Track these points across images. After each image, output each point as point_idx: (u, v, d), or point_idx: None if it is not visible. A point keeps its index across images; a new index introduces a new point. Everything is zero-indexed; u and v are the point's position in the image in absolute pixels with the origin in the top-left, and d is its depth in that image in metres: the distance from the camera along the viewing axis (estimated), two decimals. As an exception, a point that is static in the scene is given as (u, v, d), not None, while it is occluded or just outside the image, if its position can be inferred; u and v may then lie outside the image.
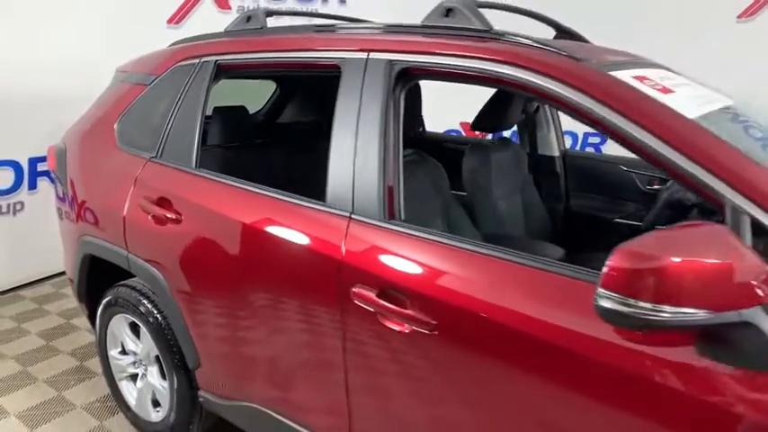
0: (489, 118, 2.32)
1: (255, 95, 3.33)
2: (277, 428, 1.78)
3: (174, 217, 1.87)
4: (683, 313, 0.90)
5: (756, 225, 1.02)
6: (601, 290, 0.91)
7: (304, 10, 4.73)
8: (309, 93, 3.18)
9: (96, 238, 2.20)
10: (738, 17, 4.12)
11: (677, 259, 0.89)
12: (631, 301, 0.90)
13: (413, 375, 1.39)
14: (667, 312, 0.90)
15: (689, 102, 1.27)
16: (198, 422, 2.12)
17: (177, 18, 4.14)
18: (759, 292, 0.91)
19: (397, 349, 1.38)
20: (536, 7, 1.95)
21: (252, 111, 3.27)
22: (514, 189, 2.44)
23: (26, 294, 3.58)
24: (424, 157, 2.06)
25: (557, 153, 2.60)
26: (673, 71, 1.68)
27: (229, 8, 4.35)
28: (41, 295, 3.57)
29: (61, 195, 2.49)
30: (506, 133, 3.01)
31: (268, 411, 1.78)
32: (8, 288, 3.60)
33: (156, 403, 2.23)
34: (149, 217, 1.95)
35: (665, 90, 1.30)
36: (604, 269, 0.91)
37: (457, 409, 1.34)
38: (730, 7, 4.14)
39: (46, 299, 3.53)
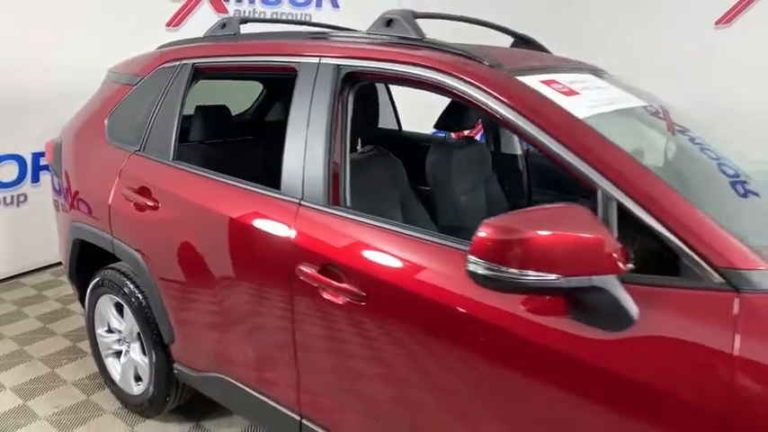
0: (450, 118, 2.51)
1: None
2: (241, 397, 1.98)
3: (152, 204, 2.09)
4: (543, 278, 1.08)
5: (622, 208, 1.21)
6: (470, 257, 1.10)
7: (298, 12, 4.95)
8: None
9: (85, 224, 2.42)
10: (716, 23, 4.27)
11: (543, 233, 1.08)
12: (501, 268, 1.09)
13: (348, 343, 1.58)
14: (530, 277, 1.08)
15: (586, 103, 1.46)
16: (174, 395, 2.33)
17: (176, 21, 4.37)
18: (620, 264, 1.10)
19: (334, 319, 1.58)
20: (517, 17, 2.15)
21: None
22: (477, 185, 2.63)
23: (27, 281, 3.83)
24: (382, 152, 2.26)
25: (519, 152, 2.78)
26: (603, 76, 1.86)
27: (226, 11, 4.58)
28: (41, 282, 3.81)
29: (57, 188, 2.71)
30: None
31: (233, 381, 1.99)
32: (10, 275, 3.85)
33: (137, 378, 2.44)
34: (131, 204, 2.16)
35: (570, 92, 1.49)
36: (474, 239, 1.10)
37: (385, 370, 1.53)
38: (709, 13, 4.28)
39: (45, 286, 3.77)
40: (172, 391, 2.32)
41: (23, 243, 3.85)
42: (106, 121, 2.45)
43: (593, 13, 4.67)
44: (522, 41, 2.33)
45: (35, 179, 3.86)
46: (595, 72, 1.89)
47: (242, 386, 1.96)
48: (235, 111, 3.23)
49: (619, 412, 1.16)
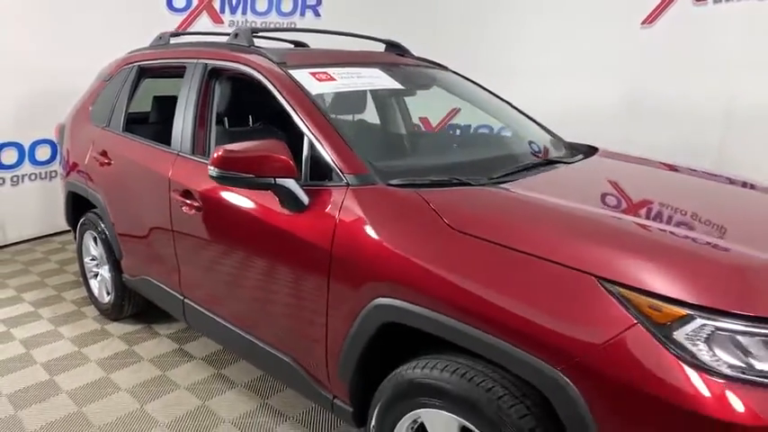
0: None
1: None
2: (154, 289, 3.11)
3: (107, 161, 3.27)
4: (244, 176, 2.10)
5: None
6: (209, 166, 2.13)
7: (284, 21, 6.11)
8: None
9: (74, 180, 3.65)
10: (642, 23, 5.03)
11: (247, 152, 2.10)
12: (223, 171, 2.12)
13: (197, 239, 2.66)
14: (235, 174, 2.10)
15: (332, 86, 2.46)
16: (128, 301, 3.51)
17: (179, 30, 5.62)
18: (292, 172, 2.11)
19: (189, 225, 2.66)
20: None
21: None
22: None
23: (55, 239, 5.19)
24: (269, 128, 3.33)
25: (403, 131, 3.77)
26: (390, 72, 2.83)
27: (222, 21, 5.81)
28: (66, 240, 5.18)
29: (63, 163, 3.95)
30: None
31: (151, 279, 3.12)
32: (43, 234, 5.23)
33: (107, 292, 3.63)
34: (97, 163, 3.35)
35: (327, 79, 2.49)
36: (213, 155, 2.12)
37: (218, 256, 2.58)
38: (635, 14, 5.04)
39: (68, 242, 5.11)
40: (126, 297, 3.49)
41: (54, 210, 5.16)
42: (90, 108, 3.67)
43: (520, 17, 5.52)
44: (390, 46, 3.36)
45: (64, 159, 5.20)
46: (391, 67, 2.87)
47: (154, 281, 3.08)
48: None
49: (299, 261, 2.15)
